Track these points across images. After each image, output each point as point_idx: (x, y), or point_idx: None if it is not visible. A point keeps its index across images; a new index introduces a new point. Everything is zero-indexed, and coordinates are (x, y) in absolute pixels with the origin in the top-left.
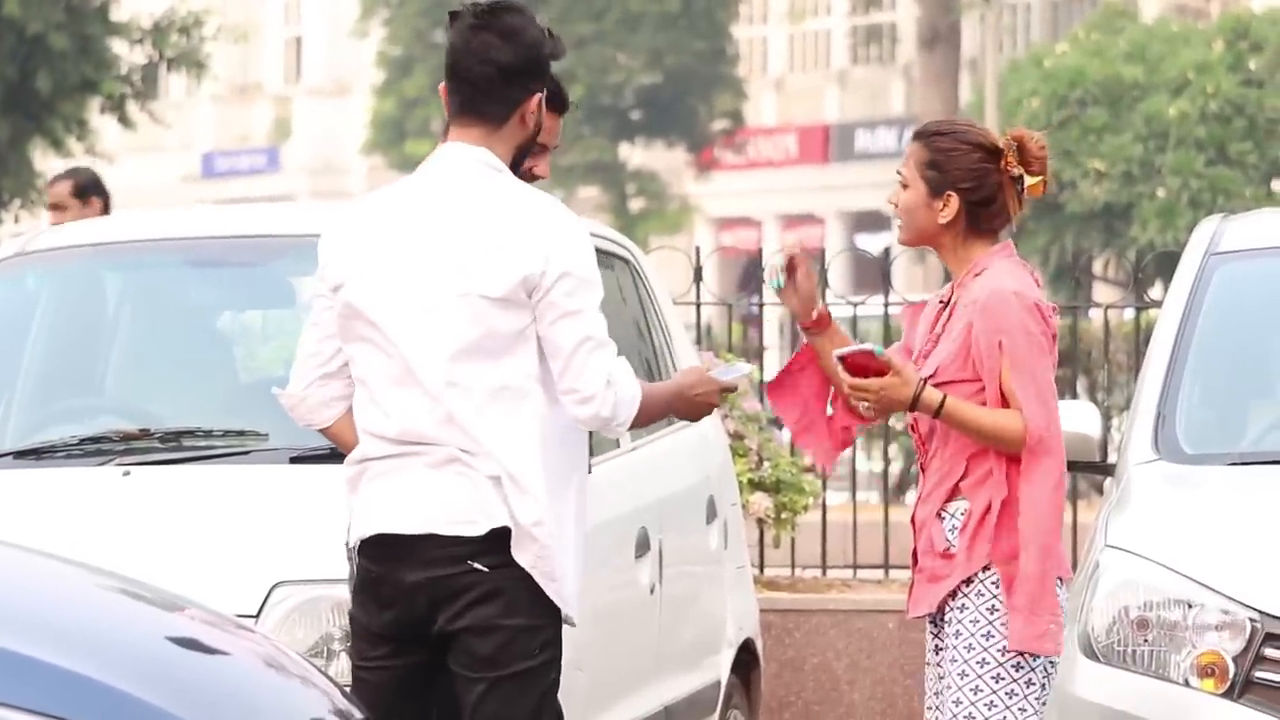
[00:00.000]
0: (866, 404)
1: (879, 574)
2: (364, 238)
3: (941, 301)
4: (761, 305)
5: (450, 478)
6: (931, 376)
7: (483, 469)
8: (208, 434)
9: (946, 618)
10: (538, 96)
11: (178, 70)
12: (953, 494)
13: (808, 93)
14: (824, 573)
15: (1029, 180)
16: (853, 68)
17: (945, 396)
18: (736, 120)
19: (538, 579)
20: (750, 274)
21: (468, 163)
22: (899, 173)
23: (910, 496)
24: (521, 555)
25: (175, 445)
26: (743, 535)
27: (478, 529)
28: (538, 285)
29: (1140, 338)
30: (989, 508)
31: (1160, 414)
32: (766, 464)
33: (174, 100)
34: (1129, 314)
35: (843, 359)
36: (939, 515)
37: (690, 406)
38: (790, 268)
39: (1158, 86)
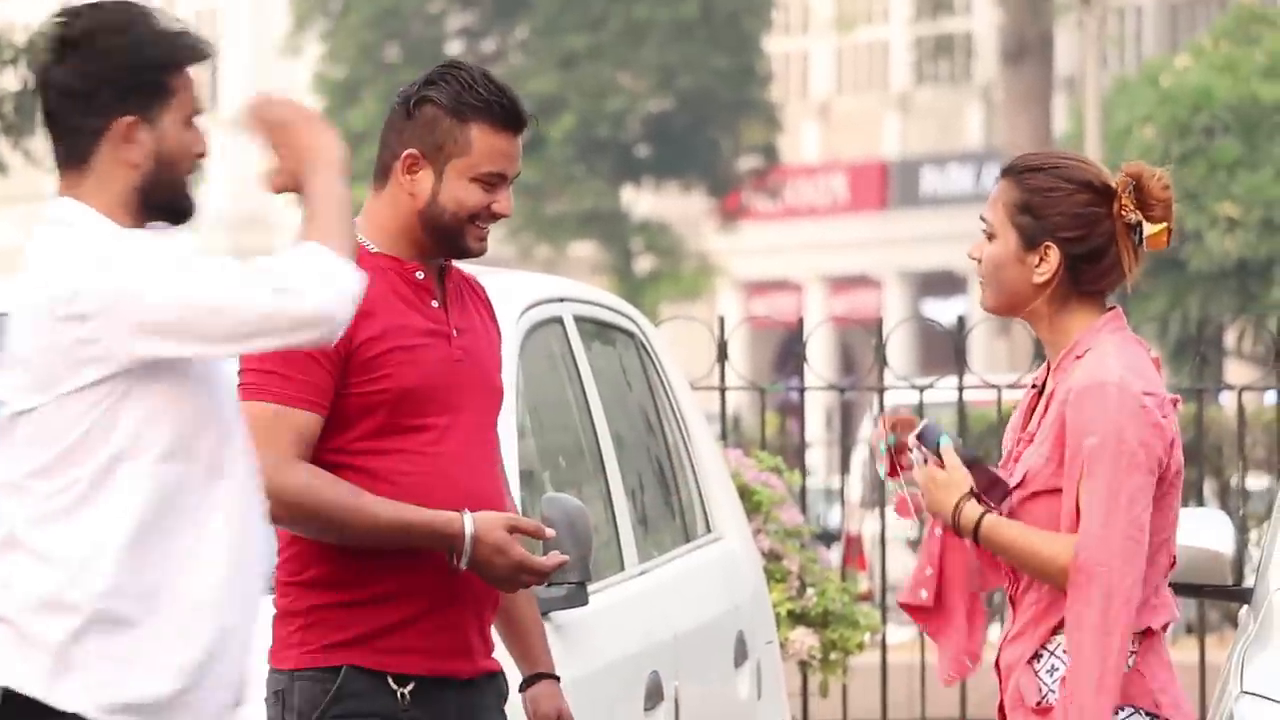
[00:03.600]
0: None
1: None
2: None
3: (1035, 387)
4: (803, 390)
5: None
6: (1018, 486)
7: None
8: None
9: None
10: (126, 120)
11: None
12: (1054, 631)
13: (860, 121)
14: None
15: (1149, 229)
16: (917, 89)
17: (984, 514)
18: (770, 157)
19: None
20: (788, 350)
21: (44, 221)
22: (983, 219)
23: (994, 632)
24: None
25: None
26: (782, 681)
27: None
28: (75, 318)
29: None
30: None
31: None
32: (810, 591)
33: None
34: (1270, 398)
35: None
36: (1034, 658)
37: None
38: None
39: None
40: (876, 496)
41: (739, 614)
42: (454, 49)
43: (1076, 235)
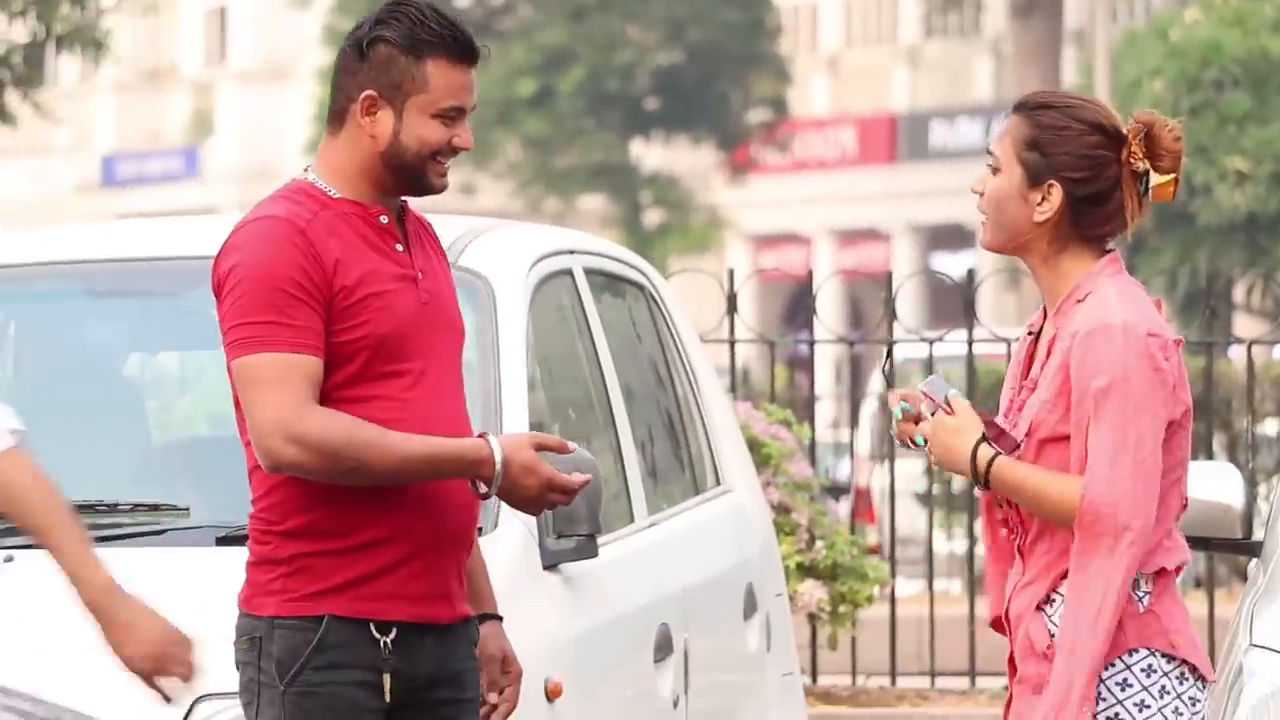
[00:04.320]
0: (921, 441)
1: (963, 682)
2: None
3: (1030, 333)
4: (812, 343)
5: None
6: (1026, 436)
7: None
8: (112, 509)
9: None
10: None
11: (70, 50)
12: (1064, 576)
13: (869, 74)
14: (893, 681)
15: (1156, 179)
16: (926, 42)
17: (996, 455)
18: (779, 110)
19: None
20: (797, 304)
21: None
22: (989, 153)
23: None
24: None
25: None
26: (791, 634)
27: None
28: None
29: None
30: None
31: None
32: (820, 544)
33: (66, 89)
34: (1279, 351)
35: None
36: (1044, 604)
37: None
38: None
39: None
40: (886, 449)
41: (748, 567)
42: (462, 1)
43: (1082, 176)
